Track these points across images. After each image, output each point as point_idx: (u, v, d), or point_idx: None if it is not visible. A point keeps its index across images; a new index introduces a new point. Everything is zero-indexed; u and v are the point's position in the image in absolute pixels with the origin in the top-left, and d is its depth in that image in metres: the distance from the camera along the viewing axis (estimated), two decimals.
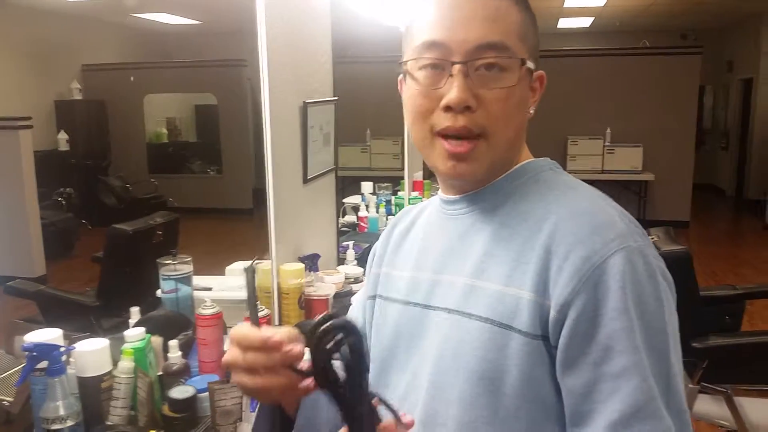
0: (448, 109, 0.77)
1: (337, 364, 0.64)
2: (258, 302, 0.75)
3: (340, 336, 0.58)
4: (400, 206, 3.31)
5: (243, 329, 0.71)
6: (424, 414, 0.80)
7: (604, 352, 0.69)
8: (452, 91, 0.76)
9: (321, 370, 0.59)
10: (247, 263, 2.11)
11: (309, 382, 0.69)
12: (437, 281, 0.84)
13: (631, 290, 0.70)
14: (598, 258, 0.71)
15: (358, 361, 0.59)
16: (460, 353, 0.76)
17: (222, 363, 0.73)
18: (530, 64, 0.79)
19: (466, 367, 0.75)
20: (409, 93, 0.81)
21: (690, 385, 2.43)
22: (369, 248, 2.67)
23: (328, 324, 0.58)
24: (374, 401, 0.65)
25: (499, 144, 0.79)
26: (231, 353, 0.72)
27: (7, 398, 3.35)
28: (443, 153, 0.79)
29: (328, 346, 0.57)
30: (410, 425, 0.67)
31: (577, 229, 0.74)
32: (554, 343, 0.73)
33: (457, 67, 0.76)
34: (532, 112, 0.84)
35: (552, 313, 0.72)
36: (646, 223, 4.81)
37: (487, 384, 0.74)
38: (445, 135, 0.78)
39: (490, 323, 0.75)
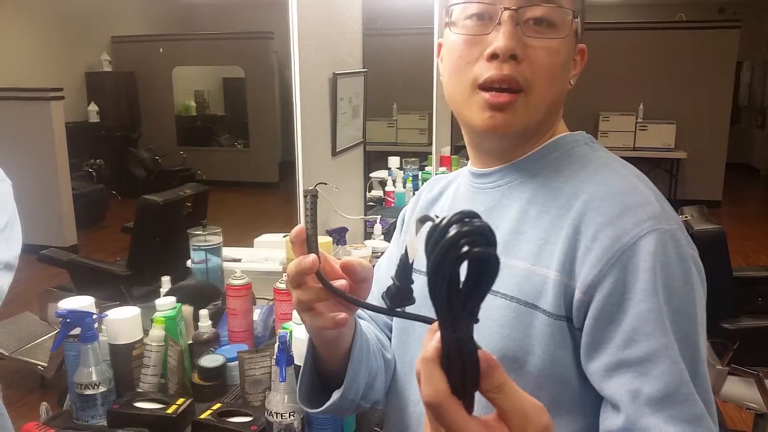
0: (492, 57, 0.74)
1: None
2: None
3: (473, 244, 0.44)
4: (426, 181, 3.28)
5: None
6: None
7: (631, 334, 0.67)
8: (499, 38, 0.73)
9: (446, 276, 0.45)
10: (277, 236, 2.12)
11: (342, 316, 0.68)
12: None
13: (660, 272, 0.67)
14: (628, 239, 0.68)
15: (488, 279, 0.46)
16: (484, 330, 0.75)
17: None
18: (579, 23, 0.77)
19: (490, 345, 0.75)
20: (452, 42, 0.78)
21: (719, 367, 2.40)
22: (395, 223, 2.67)
23: (466, 227, 0.44)
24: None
25: (538, 102, 0.76)
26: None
27: (42, 363, 3.44)
28: (482, 104, 0.76)
29: (463, 251, 0.44)
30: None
31: (607, 209, 0.71)
32: (578, 326, 0.71)
33: (507, 13, 0.73)
34: (572, 83, 0.82)
35: (577, 295, 0.70)
36: (677, 202, 4.71)
37: (510, 362, 0.73)
38: (488, 87, 0.75)
39: (516, 302, 0.74)
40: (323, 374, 0.83)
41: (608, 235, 0.69)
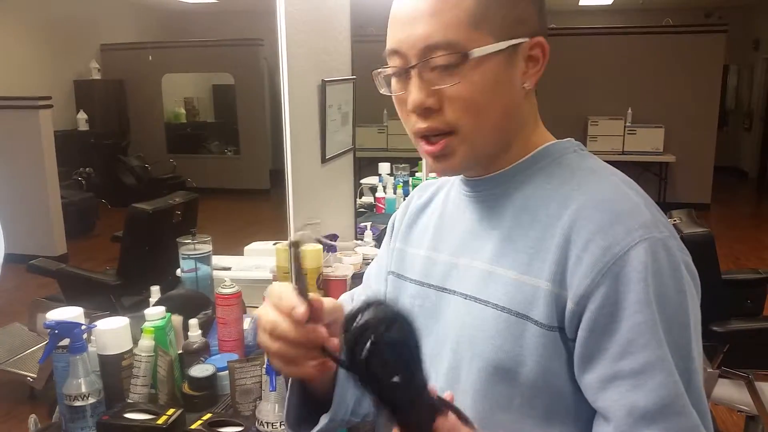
0: (414, 112, 0.76)
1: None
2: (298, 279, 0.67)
3: (379, 331, 0.51)
4: (416, 188, 3.28)
5: (281, 288, 0.68)
6: None
7: (626, 346, 0.67)
8: (411, 94, 0.75)
9: (361, 372, 0.52)
10: (267, 243, 2.12)
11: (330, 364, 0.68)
12: (454, 264, 0.82)
13: (653, 282, 0.67)
14: (619, 249, 0.68)
15: (407, 360, 0.52)
16: (476, 341, 0.75)
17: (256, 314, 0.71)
18: (482, 51, 0.73)
19: (482, 356, 0.74)
20: (393, 98, 0.81)
21: (710, 369, 2.41)
22: (386, 229, 2.67)
23: (362, 321, 0.51)
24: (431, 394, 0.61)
25: (474, 135, 0.76)
26: (263, 309, 0.69)
27: (32, 374, 3.41)
28: (425, 152, 0.79)
29: (367, 347, 0.50)
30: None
31: (598, 217, 0.71)
32: (571, 336, 0.71)
33: (412, 71, 0.75)
34: (527, 86, 0.78)
35: (569, 305, 0.70)
36: (666, 206, 4.71)
37: (503, 373, 0.73)
38: (422, 136, 0.78)
39: (507, 312, 0.73)
40: (311, 393, 0.81)
41: (599, 244, 0.69)
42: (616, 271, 0.68)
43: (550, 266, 0.72)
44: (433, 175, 3.52)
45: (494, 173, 0.81)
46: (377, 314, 0.51)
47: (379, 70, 0.80)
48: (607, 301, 0.68)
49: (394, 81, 0.79)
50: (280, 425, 1.14)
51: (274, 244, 1.95)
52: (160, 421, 1.20)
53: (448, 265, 0.83)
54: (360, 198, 3.28)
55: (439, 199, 0.92)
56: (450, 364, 0.79)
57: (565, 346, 0.71)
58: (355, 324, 0.52)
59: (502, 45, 0.74)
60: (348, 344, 0.52)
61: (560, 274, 0.71)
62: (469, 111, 0.75)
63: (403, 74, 0.76)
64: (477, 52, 0.72)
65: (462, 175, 0.87)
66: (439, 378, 0.80)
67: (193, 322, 1.45)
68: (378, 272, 0.98)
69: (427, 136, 0.77)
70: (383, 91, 0.81)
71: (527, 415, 0.73)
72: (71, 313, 1.28)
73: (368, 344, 0.50)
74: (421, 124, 0.76)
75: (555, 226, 0.73)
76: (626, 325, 0.67)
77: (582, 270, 0.69)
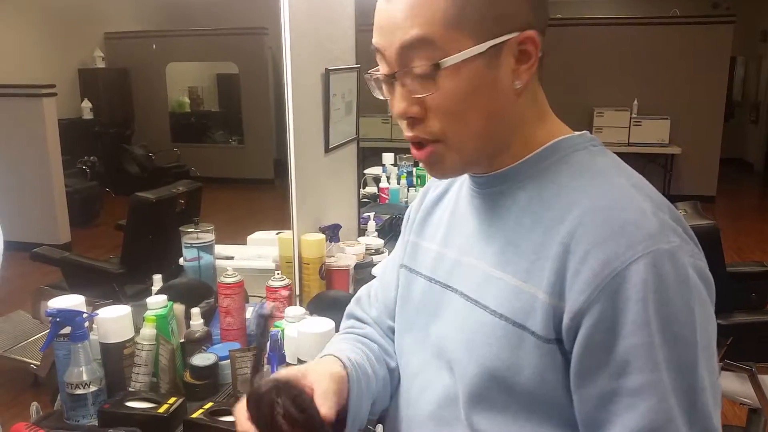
0: (400, 120, 0.76)
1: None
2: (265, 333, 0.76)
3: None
4: (421, 177, 3.27)
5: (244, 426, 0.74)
6: (442, 396, 0.80)
7: (622, 366, 0.65)
8: (395, 103, 0.74)
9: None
10: (270, 233, 2.11)
11: None
12: (460, 262, 0.82)
13: (654, 300, 0.64)
14: (619, 263, 0.65)
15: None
16: (473, 345, 0.75)
17: None
18: (454, 59, 0.69)
19: (478, 362, 0.74)
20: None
21: None
22: (389, 220, 2.67)
23: (260, 391, 0.70)
24: None
25: (460, 143, 0.74)
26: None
27: (35, 362, 3.42)
28: (415, 158, 0.80)
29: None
30: None
31: (599, 226, 0.67)
32: (569, 348, 0.69)
33: (395, 78, 0.73)
34: (518, 84, 0.73)
35: (565, 320, 0.68)
36: (672, 198, 4.68)
37: (500, 381, 0.72)
38: (411, 142, 0.77)
39: (505, 320, 0.72)
40: None
41: (598, 257, 0.66)
42: (613, 287, 0.65)
43: (549, 276, 0.69)
44: None
45: (498, 171, 0.79)
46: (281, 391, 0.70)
47: (369, 74, 0.78)
48: (603, 319, 0.65)
49: (383, 85, 0.77)
50: None
51: (277, 233, 1.95)
52: (161, 410, 1.20)
53: (454, 262, 0.83)
54: (363, 188, 3.28)
55: (453, 193, 0.91)
56: (451, 365, 0.80)
57: (564, 358, 0.70)
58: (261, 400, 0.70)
59: (481, 48, 0.70)
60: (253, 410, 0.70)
61: (558, 286, 0.69)
62: (451, 120, 0.73)
63: (388, 80, 0.75)
64: (448, 61, 0.70)
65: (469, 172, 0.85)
66: (442, 373, 0.81)
67: (195, 311, 1.45)
68: (393, 265, 0.98)
69: (416, 142, 0.76)
70: (376, 94, 0.79)
71: (524, 419, 0.72)
72: (73, 301, 1.28)
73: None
74: (408, 132, 0.75)
75: (556, 230, 0.71)
76: (622, 345, 0.65)
77: (579, 284, 0.67)
